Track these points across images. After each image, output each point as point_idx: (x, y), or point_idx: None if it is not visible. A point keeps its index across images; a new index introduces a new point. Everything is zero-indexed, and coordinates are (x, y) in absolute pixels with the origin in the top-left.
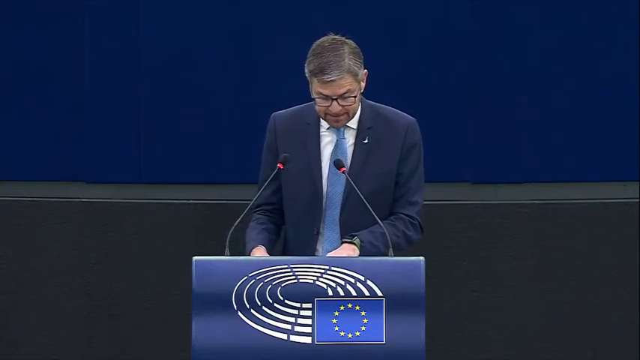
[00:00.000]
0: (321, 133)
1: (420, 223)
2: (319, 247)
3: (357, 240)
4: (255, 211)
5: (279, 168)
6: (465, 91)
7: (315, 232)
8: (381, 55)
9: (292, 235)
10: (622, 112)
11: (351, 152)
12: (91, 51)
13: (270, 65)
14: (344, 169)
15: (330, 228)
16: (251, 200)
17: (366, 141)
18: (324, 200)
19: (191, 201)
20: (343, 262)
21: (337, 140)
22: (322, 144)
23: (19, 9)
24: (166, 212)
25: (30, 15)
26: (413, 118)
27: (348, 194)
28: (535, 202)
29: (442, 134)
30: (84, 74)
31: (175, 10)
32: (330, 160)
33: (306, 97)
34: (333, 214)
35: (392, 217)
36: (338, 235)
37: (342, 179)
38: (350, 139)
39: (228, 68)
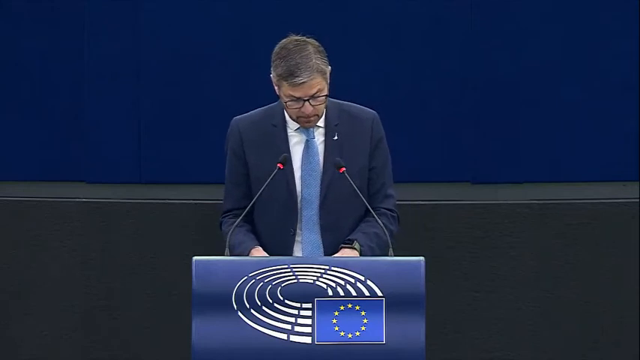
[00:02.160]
0: (289, 134)
1: (398, 216)
2: (296, 249)
3: (357, 245)
4: (225, 216)
5: (280, 168)
6: (465, 91)
7: (291, 233)
8: (380, 55)
9: (268, 237)
10: (622, 112)
11: (322, 150)
12: (91, 51)
13: (270, 65)
14: (343, 169)
15: (308, 229)
16: (251, 201)
17: (335, 138)
18: (299, 201)
19: (191, 201)
20: (343, 262)
21: (307, 140)
22: (291, 144)
23: (19, 9)
24: (166, 212)
25: (30, 15)
26: (374, 111)
27: (326, 194)
28: (535, 202)
29: (442, 134)
30: (84, 74)
31: (175, 10)
32: (302, 160)
33: None
34: (310, 215)
35: (375, 214)
36: (318, 236)
37: (316, 180)
38: (319, 137)
39: (228, 68)
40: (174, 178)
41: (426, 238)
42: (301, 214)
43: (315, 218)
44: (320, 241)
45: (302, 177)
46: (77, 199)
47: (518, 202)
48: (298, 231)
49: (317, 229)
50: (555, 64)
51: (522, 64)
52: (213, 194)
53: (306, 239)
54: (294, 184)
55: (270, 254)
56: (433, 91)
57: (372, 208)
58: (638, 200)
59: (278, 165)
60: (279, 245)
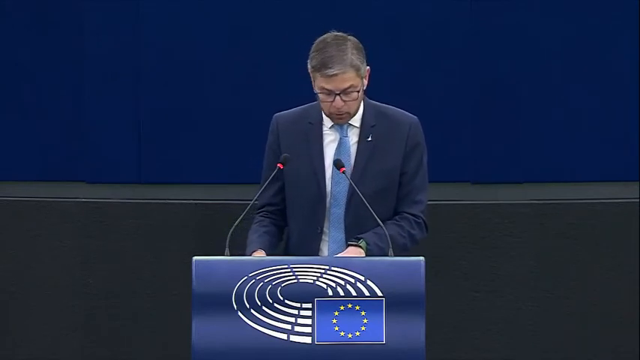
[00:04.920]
0: (324, 132)
1: (425, 222)
2: (323, 247)
3: (363, 242)
4: (257, 213)
5: (279, 168)
6: (466, 91)
7: (318, 231)
8: (382, 55)
9: (296, 234)
10: (622, 112)
11: (355, 150)
12: (91, 51)
13: (270, 65)
14: (344, 169)
15: (335, 227)
16: (251, 200)
17: (369, 139)
18: (328, 199)
19: (191, 201)
20: (343, 262)
21: (340, 138)
22: (325, 143)
23: (19, 8)
24: (166, 212)
25: (30, 15)
26: (415, 117)
27: (352, 193)
28: (535, 202)
29: (443, 134)
30: (84, 74)
31: (176, 9)
32: (334, 159)
33: (307, 98)
34: (338, 213)
35: (397, 217)
36: (344, 235)
37: (346, 179)
38: (353, 137)
39: (228, 68)
40: (174, 178)
41: (426, 238)
42: (330, 211)
43: (342, 217)
44: (345, 239)
45: (332, 175)
46: (77, 199)
47: (518, 202)
48: (325, 230)
49: (342, 227)
50: (555, 65)
51: (522, 64)
52: (213, 194)
53: (333, 237)
54: (325, 182)
55: (298, 251)
56: (433, 91)
57: (398, 212)
58: (638, 200)
59: (278, 165)
60: (307, 242)
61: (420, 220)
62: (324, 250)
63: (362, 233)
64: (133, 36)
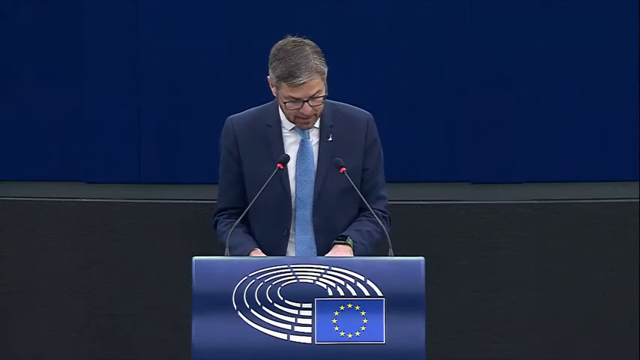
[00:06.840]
0: (284, 135)
1: (389, 217)
2: (290, 249)
3: (350, 241)
4: (220, 215)
5: (280, 168)
6: (466, 91)
7: (284, 234)
8: (381, 56)
9: (261, 237)
10: (622, 112)
11: (317, 151)
12: (91, 51)
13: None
14: (344, 169)
15: (301, 229)
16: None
17: (330, 139)
18: (293, 201)
19: (191, 201)
20: (343, 262)
21: (303, 140)
22: (286, 145)
23: (19, 8)
24: (166, 212)
25: (30, 14)
26: (369, 113)
27: (319, 194)
28: (535, 202)
29: (442, 134)
30: (84, 74)
31: (175, 10)
32: (296, 160)
33: None
34: (304, 214)
35: (367, 213)
36: (311, 236)
37: (310, 179)
38: (314, 138)
39: (228, 68)
40: (174, 178)
41: (426, 238)
42: (295, 214)
43: (309, 218)
44: (313, 241)
45: (296, 177)
46: (77, 199)
47: (518, 202)
48: (292, 231)
49: (310, 229)
50: (555, 64)
51: (522, 64)
52: (213, 194)
53: (299, 239)
54: (289, 185)
55: (264, 254)
56: (433, 91)
57: (364, 209)
58: (638, 200)
59: (278, 165)
60: (273, 245)
61: (387, 215)
62: (291, 252)
63: (331, 234)
64: (133, 36)
